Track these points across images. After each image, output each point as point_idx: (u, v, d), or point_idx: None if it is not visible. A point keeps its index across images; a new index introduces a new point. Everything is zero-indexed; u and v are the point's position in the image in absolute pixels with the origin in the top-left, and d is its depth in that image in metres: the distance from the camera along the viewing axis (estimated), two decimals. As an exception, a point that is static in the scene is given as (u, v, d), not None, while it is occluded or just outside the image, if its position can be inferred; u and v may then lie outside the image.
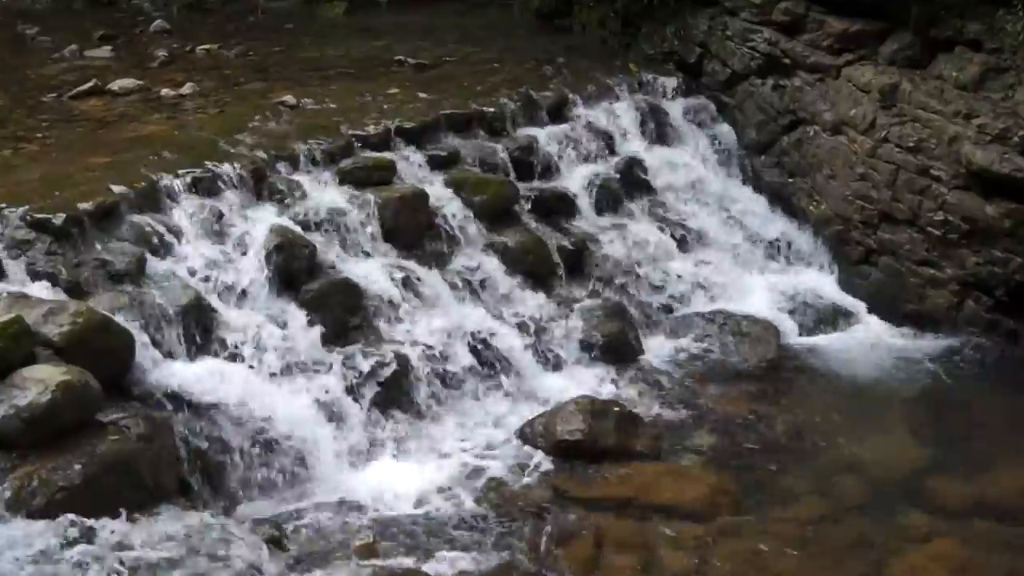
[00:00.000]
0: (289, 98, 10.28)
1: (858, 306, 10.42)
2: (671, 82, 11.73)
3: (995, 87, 9.52)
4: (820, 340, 9.94)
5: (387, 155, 9.38)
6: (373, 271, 8.60)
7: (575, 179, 10.38)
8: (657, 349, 9.47)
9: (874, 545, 7.17)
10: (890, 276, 10.31)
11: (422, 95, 10.63)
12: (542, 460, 7.89)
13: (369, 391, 7.95)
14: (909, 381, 9.33)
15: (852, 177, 10.46)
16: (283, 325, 7.89)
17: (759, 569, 6.95)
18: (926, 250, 10.05)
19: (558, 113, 10.84)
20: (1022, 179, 9.25)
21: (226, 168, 8.49)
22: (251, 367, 7.55)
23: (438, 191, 9.32)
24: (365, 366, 7.99)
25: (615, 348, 9.18)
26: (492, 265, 9.26)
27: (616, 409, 8.19)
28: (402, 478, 7.57)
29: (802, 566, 6.97)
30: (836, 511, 7.52)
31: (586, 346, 9.14)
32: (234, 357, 7.53)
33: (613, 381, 8.93)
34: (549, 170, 10.30)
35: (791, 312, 10.16)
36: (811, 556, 7.05)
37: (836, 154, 10.63)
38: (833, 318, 10.20)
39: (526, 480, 7.67)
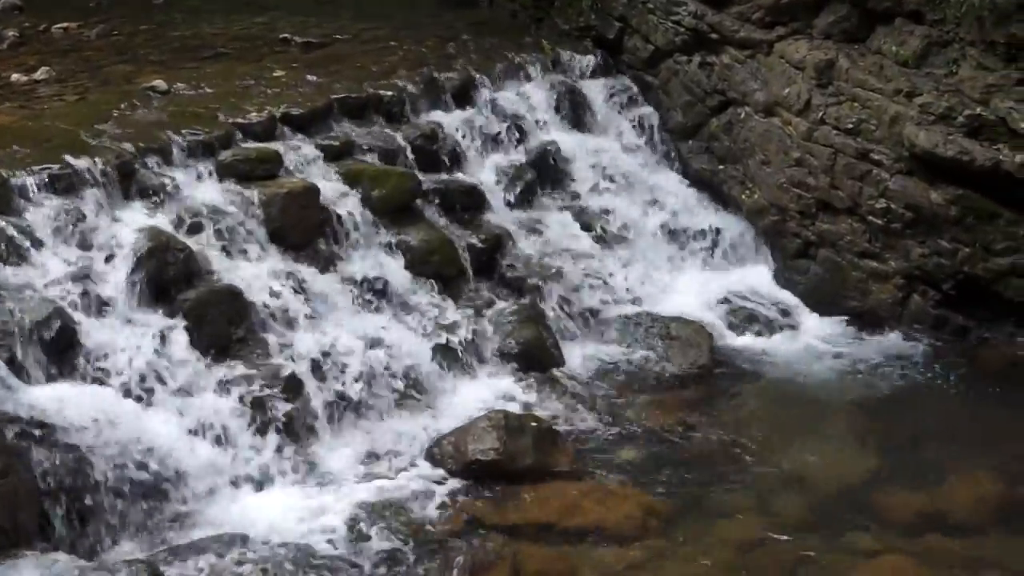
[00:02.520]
0: (159, 83, 10.11)
1: (796, 303, 10.58)
2: (588, 60, 11.79)
3: (938, 62, 9.71)
4: (756, 342, 10.07)
5: (272, 146, 9.29)
6: (258, 277, 8.51)
7: (484, 170, 10.40)
8: (578, 356, 9.51)
9: (818, 565, 7.26)
10: (830, 270, 10.48)
11: (311, 78, 10.55)
12: (452, 483, 7.89)
13: (256, 412, 7.85)
14: (853, 385, 9.48)
15: (787, 163, 10.60)
16: (156, 340, 7.76)
17: (694, 596, 7.03)
18: (868, 241, 10.22)
19: (464, 96, 10.83)
20: (968, 163, 9.45)
21: (87, 163, 8.32)
22: (120, 389, 7.44)
23: (331, 185, 9.26)
24: (251, 384, 7.90)
25: (532, 356, 9.19)
26: (393, 267, 9.23)
27: (533, 424, 8.21)
28: (295, 507, 7.51)
29: (741, 592, 7.05)
30: (776, 529, 7.61)
31: (500, 355, 9.15)
32: (100, 378, 7.42)
33: (530, 393, 8.94)
34: (455, 160, 10.29)
35: (724, 312, 10.30)
36: (750, 580, 7.15)
37: (769, 138, 10.76)
38: (770, 317, 10.33)
39: (435, 506, 7.65)
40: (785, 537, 7.52)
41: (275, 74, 10.64)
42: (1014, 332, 9.74)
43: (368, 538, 7.30)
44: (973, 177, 9.52)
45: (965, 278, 9.79)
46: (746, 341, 10.05)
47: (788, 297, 10.63)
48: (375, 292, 9.05)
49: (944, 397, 9.26)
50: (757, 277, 10.85)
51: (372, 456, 8.10)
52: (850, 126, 10.17)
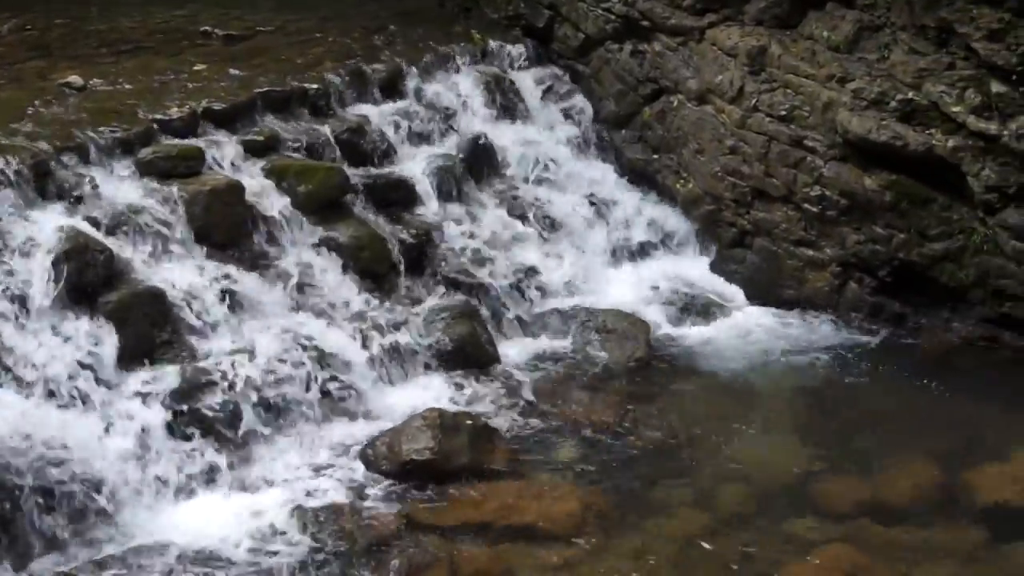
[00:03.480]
0: (75, 78, 9.97)
1: (734, 293, 10.67)
2: (518, 50, 11.80)
3: (870, 47, 9.81)
4: (694, 333, 10.12)
5: (194, 142, 9.21)
6: (183, 277, 8.44)
7: (414, 163, 10.37)
8: (514, 352, 9.52)
9: (760, 558, 7.32)
10: (766, 259, 10.56)
11: (234, 71, 10.46)
12: (387, 484, 7.86)
13: (182, 417, 7.78)
14: (792, 374, 9.57)
15: (721, 151, 10.67)
16: (77, 344, 7.66)
17: (635, 593, 7.06)
18: (803, 229, 10.32)
19: (392, 88, 10.80)
20: (902, 148, 9.56)
21: (0, 163, 8.17)
22: (39, 395, 7.33)
23: (256, 182, 9.19)
24: (176, 388, 7.82)
25: (466, 353, 9.18)
26: (322, 264, 9.19)
27: (469, 422, 8.19)
28: (226, 513, 7.45)
29: (681, 587, 7.09)
30: (717, 523, 7.66)
31: (433, 352, 9.13)
32: (17, 384, 7.30)
33: (465, 390, 8.94)
34: (384, 154, 10.26)
35: (661, 304, 10.35)
36: (690, 574, 7.15)
37: (703, 126, 10.83)
38: (707, 308, 10.39)
39: (369, 508, 7.61)
40: (725, 530, 7.57)
41: (196, 68, 10.54)
42: (950, 318, 9.87)
43: (301, 543, 7.26)
44: (907, 162, 9.64)
45: (900, 264, 9.91)
46: (683, 332, 10.10)
47: (725, 287, 10.71)
48: (304, 290, 8.99)
49: (882, 384, 9.36)
50: (693, 267, 10.93)
51: (304, 459, 8.04)
52: (783, 113, 10.25)
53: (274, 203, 9.14)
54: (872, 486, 8.04)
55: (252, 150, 9.41)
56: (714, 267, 10.88)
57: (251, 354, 8.30)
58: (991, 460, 8.21)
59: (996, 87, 9.08)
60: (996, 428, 8.66)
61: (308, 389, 8.40)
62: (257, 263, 8.93)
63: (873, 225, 9.94)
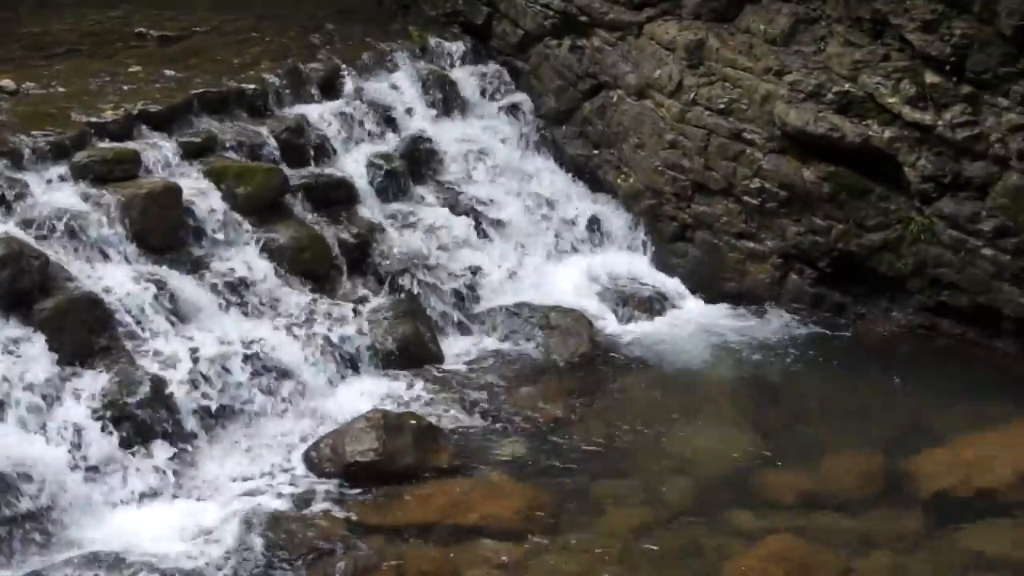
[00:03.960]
0: (7, 82, 9.84)
1: (676, 287, 10.72)
2: (457, 47, 11.78)
3: (806, 40, 9.91)
4: (638, 327, 10.17)
5: (130, 145, 9.11)
6: (120, 282, 8.33)
7: (354, 162, 10.33)
8: (458, 350, 9.52)
9: (706, 551, 7.38)
10: (708, 252, 10.63)
11: (169, 73, 10.36)
12: (332, 487, 7.82)
13: (122, 423, 7.68)
14: (734, 366, 9.65)
15: (661, 145, 10.72)
16: (12, 352, 7.56)
17: (582, 588, 7.08)
18: (744, 222, 10.39)
19: (330, 87, 10.75)
20: (839, 139, 9.66)
21: (-71, 170, 8.10)
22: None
23: (193, 184, 9.11)
24: (115, 394, 7.73)
25: (410, 352, 9.17)
26: (262, 266, 9.12)
27: (413, 422, 8.18)
28: (167, 520, 7.38)
29: (628, 581, 7.12)
30: (663, 517, 7.70)
31: (377, 352, 9.11)
32: (-48, 394, 7.21)
33: (409, 390, 8.92)
34: (323, 153, 10.21)
35: (604, 299, 10.39)
36: (638, 569, 7.22)
37: (643, 120, 10.87)
38: (650, 302, 10.44)
39: (314, 511, 7.58)
40: (672, 523, 7.62)
41: (131, 70, 10.42)
42: (889, 307, 9.99)
43: (246, 548, 7.20)
44: (844, 153, 9.75)
45: (840, 255, 10.01)
46: (627, 327, 10.14)
47: (667, 280, 10.76)
48: (244, 293, 8.93)
49: (824, 374, 9.46)
50: (636, 262, 10.96)
51: (247, 463, 7.99)
52: (722, 106, 10.32)
53: (212, 205, 9.06)
54: (815, 476, 8.12)
55: (189, 152, 9.32)
56: (656, 261, 10.92)
57: (191, 358, 8.23)
58: (932, 447, 8.32)
59: (930, 78, 9.21)
60: (936, 415, 8.78)
61: (249, 392, 8.35)
62: (196, 266, 8.85)
63: (812, 216, 10.03)
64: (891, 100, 9.39)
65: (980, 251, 9.32)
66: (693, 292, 10.62)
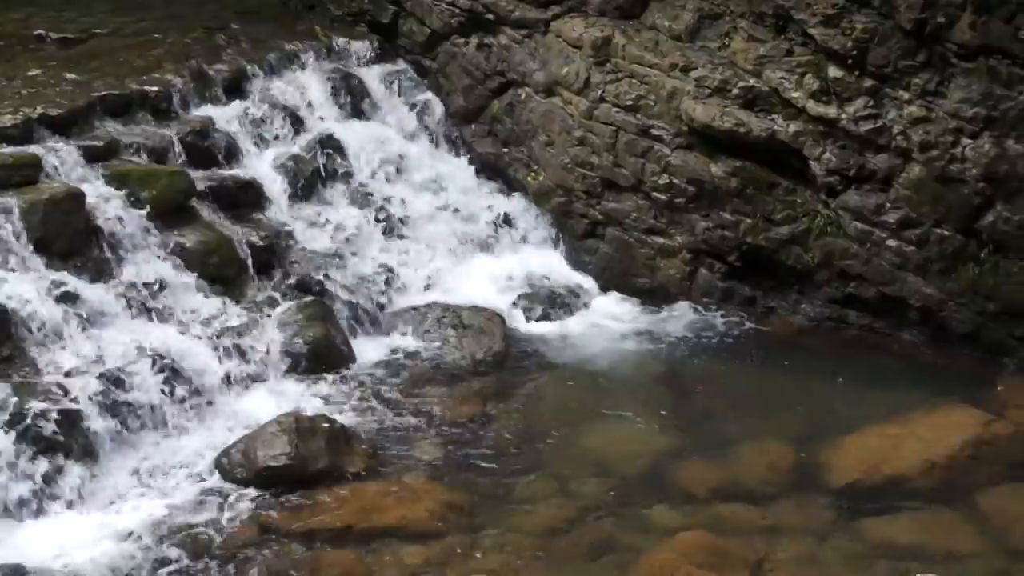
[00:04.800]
0: (-99, 88, 9.64)
1: (589, 284, 10.78)
2: (364, 46, 11.74)
3: (711, 36, 10.02)
4: (551, 326, 10.21)
5: (30, 150, 8.95)
6: (22, 290, 8.19)
7: (261, 164, 10.26)
8: (370, 352, 9.49)
9: (621, 546, 7.44)
10: (619, 249, 10.70)
11: (70, 76, 10.20)
12: (244, 493, 7.78)
13: (27, 434, 7.54)
14: (647, 362, 9.73)
15: (570, 143, 10.77)
16: (-90, 364, 7.42)
17: (499, 587, 7.11)
18: (654, 218, 10.48)
19: (236, 88, 10.67)
20: (745, 134, 9.78)
21: None
22: None
23: (97, 189, 8.97)
24: (19, 405, 7.58)
25: (321, 355, 9.13)
26: (169, 271, 9.02)
27: (326, 425, 8.14)
28: (77, 531, 7.29)
29: (544, 579, 7.16)
30: (578, 514, 7.75)
31: (288, 356, 9.06)
32: None
33: (321, 393, 8.89)
34: (230, 155, 10.14)
35: (516, 297, 10.41)
36: (553, 566, 7.26)
37: (551, 118, 10.92)
38: (563, 300, 10.49)
39: (226, 518, 7.53)
40: (586, 520, 7.67)
41: (30, 73, 10.24)
42: (798, 300, 10.12)
43: (156, 558, 7.15)
44: (750, 148, 9.87)
45: (749, 249, 10.13)
46: (540, 325, 10.18)
47: (579, 278, 10.81)
48: (152, 298, 8.82)
49: (735, 368, 9.57)
50: (548, 260, 10.99)
51: (157, 472, 7.90)
52: (629, 103, 10.39)
53: (116, 210, 8.93)
54: (728, 469, 8.22)
55: (92, 156, 9.19)
56: (568, 259, 10.97)
57: (97, 366, 8.12)
58: (842, 438, 8.45)
59: (833, 72, 9.36)
60: (846, 406, 8.93)
61: (159, 399, 8.26)
62: (101, 272, 8.73)
63: (721, 211, 10.14)
64: (795, 94, 9.53)
65: (885, 243, 9.49)
66: (605, 289, 10.69)
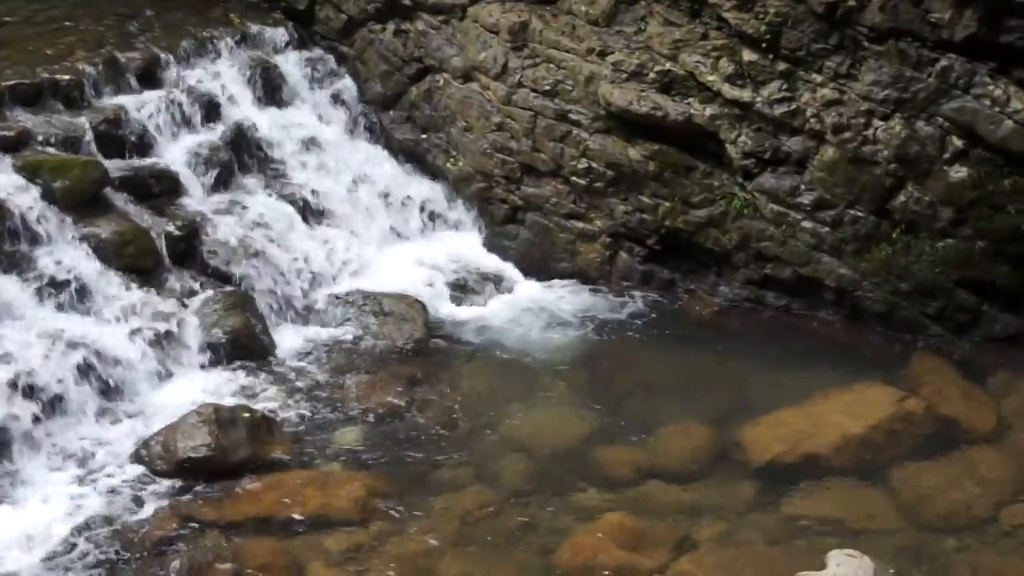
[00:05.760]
0: None
1: (509, 269, 10.81)
2: (280, 33, 11.62)
3: (627, 20, 10.07)
4: (472, 311, 10.23)
5: (-62, 140, 8.82)
6: (-69, 284, 8.08)
7: (177, 153, 10.14)
8: (290, 341, 9.45)
9: (544, 529, 7.52)
10: (539, 234, 10.74)
11: (-22, 65, 10.03)
12: (164, 485, 7.75)
13: (-60, 430, 7.47)
14: (568, 346, 9.78)
15: (489, 128, 10.78)
16: None
17: (422, 571, 7.13)
18: (573, 202, 10.53)
19: (150, 77, 10.51)
20: (662, 118, 9.86)
21: None
22: None
23: (6, 180, 8.85)
24: (-69, 400, 7.50)
25: (241, 345, 9.07)
26: (84, 262, 8.92)
27: (247, 415, 8.11)
28: (-6, 529, 7.20)
29: (468, 562, 7.20)
30: (501, 498, 7.82)
31: (207, 346, 9.00)
32: None
33: (242, 383, 8.85)
34: (145, 145, 10.00)
35: (437, 283, 10.41)
36: (477, 550, 7.32)
37: (470, 104, 10.92)
38: (483, 285, 10.51)
39: (147, 510, 7.50)
40: (508, 504, 7.74)
41: (-63, 63, 10.06)
42: (716, 282, 10.23)
43: (77, 553, 7.09)
44: (668, 132, 9.96)
45: (667, 232, 10.22)
46: (461, 311, 10.19)
47: (500, 263, 10.84)
48: (67, 291, 8.70)
49: (656, 350, 9.65)
50: (468, 245, 11.01)
51: (74, 465, 7.84)
52: (547, 88, 10.43)
53: (29, 201, 8.81)
54: (650, 451, 8.31)
55: (2, 147, 9.05)
56: (488, 244, 10.99)
57: (13, 359, 8.00)
58: (761, 417, 8.57)
59: (747, 55, 9.47)
60: (765, 386, 9.05)
61: (75, 392, 8.17)
62: (14, 264, 8.61)
63: (640, 195, 10.22)
64: (711, 78, 9.63)
65: (800, 224, 9.62)
66: (525, 274, 10.72)
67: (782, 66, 9.37)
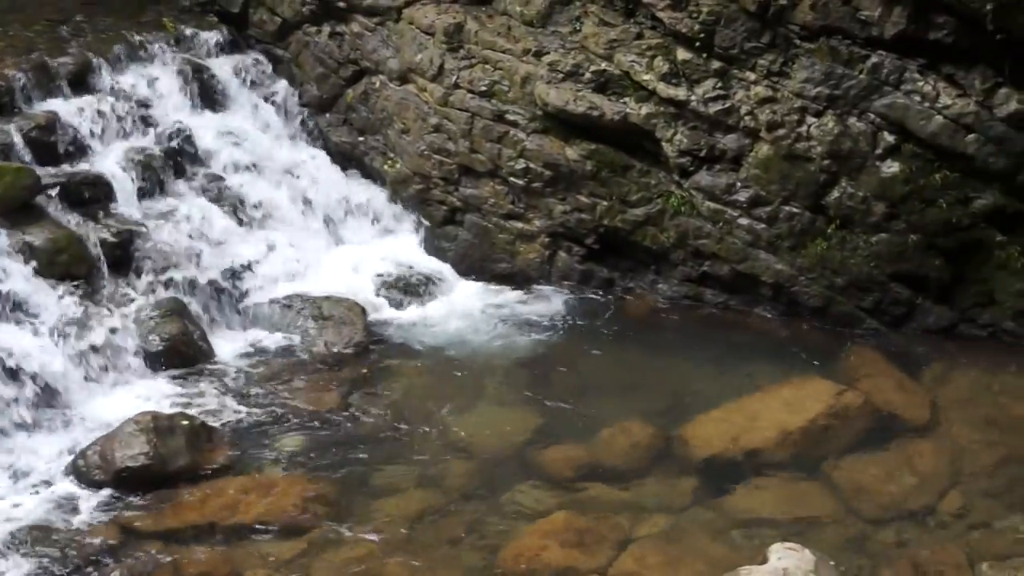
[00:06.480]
0: None
1: (448, 271, 10.77)
2: (214, 36, 11.51)
3: (562, 20, 10.08)
4: (412, 313, 10.19)
5: None
6: None
7: (110, 159, 10.01)
8: (229, 347, 9.39)
9: (488, 530, 7.50)
10: (478, 235, 10.71)
11: (-96, 72, 9.85)
12: (102, 495, 7.66)
13: None
14: (509, 346, 9.76)
15: (426, 130, 10.74)
16: None
17: (367, 577, 7.08)
18: (511, 203, 10.51)
19: (82, 82, 10.38)
20: (599, 117, 9.87)
21: None
22: None
23: (-64, 188, 8.71)
24: None
25: (178, 352, 9.00)
26: (17, 271, 8.80)
27: (185, 423, 8.03)
28: (-76, 545, 7.08)
29: (412, 566, 7.14)
30: (444, 501, 7.79)
31: (144, 353, 8.92)
32: None
33: (180, 390, 8.78)
34: (77, 151, 9.89)
35: (377, 286, 10.38)
36: (421, 553, 7.26)
37: (407, 106, 10.87)
38: (424, 287, 10.47)
39: (83, 522, 7.40)
40: (452, 506, 7.72)
41: None
42: (655, 280, 10.24)
43: (10, 565, 6.96)
44: (605, 131, 9.97)
45: (606, 231, 10.23)
46: (401, 313, 10.15)
47: (439, 265, 10.80)
48: (-2, 300, 8.61)
49: (596, 349, 9.65)
50: (407, 247, 10.96)
51: (7, 478, 7.72)
52: (484, 88, 10.40)
53: (-42, 210, 8.69)
54: (592, 450, 8.30)
55: (-71, 155, 8.92)
56: (427, 246, 10.95)
57: (-58, 371, 7.89)
58: (702, 414, 8.59)
59: (682, 54, 9.50)
60: (704, 383, 9.10)
61: (9, 403, 8.06)
62: (-57, 275, 8.47)
63: (577, 195, 10.22)
64: (646, 77, 9.65)
65: (737, 221, 9.67)
66: (465, 275, 10.69)
67: (716, 65, 9.41)
